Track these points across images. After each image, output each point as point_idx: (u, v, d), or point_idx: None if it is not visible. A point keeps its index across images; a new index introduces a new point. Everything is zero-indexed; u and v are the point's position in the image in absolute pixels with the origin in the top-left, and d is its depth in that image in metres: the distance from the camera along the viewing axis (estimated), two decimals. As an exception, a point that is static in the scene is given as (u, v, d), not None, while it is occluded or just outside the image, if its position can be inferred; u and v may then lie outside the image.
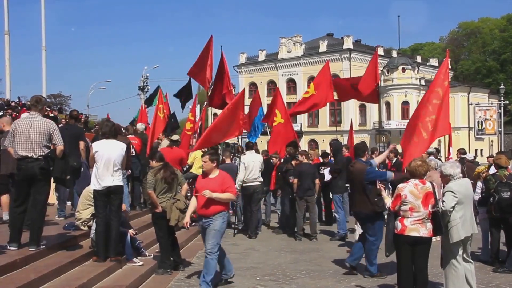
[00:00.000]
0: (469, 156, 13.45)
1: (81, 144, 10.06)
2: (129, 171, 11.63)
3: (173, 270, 8.39)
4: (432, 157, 14.36)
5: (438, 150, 17.55)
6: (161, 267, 8.30)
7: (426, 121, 9.34)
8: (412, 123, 9.63)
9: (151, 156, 8.81)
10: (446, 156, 15.35)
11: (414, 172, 6.67)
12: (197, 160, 13.44)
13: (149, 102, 21.83)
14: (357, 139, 61.76)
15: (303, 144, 59.87)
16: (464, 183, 6.95)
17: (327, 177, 13.35)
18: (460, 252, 6.79)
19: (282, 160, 13.64)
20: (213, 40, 14.27)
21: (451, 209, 6.64)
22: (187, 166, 13.38)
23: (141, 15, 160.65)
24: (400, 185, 6.75)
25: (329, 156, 14.29)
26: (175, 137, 13.42)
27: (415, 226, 6.45)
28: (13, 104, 23.53)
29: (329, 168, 13.72)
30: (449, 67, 73.45)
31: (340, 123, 62.88)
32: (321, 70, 15.25)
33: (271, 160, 13.74)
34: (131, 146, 11.79)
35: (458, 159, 14.77)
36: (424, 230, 6.46)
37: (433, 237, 6.69)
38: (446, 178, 6.91)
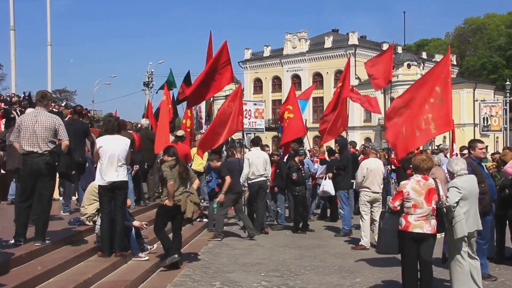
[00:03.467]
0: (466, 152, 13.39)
1: (89, 139, 10.09)
2: (136, 166, 11.67)
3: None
4: (441, 154, 14.27)
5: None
6: (168, 255, 8.22)
7: (420, 119, 9.35)
8: (406, 119, 9.61)
9: (165, 151, 8.84)
10: (450, 152, 15.30)
11: (417, 166, 6.63)
12: (196, 157, 13.47)
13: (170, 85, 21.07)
14: (361, 135, 61.91)
15: (309, 140, 59.77)
16: (470, 179, 6.92)
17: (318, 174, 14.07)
18: (465, 248, 6.77)
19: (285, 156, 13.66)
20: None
21: (455, 205, 6.62)
22: (192, 162, 13.39)
23: (146, 10, 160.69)
24: (402, 182, 6.74)
25: (335, 154, 14.26)
26: (180, 132, 13.43)
27: (419, 223, 6.43)
28: (15, 99, 23.47)
29: (324, 166, 13.86)
30: (455, 63, 73.56)
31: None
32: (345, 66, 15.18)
33: (272, 158, 13.70)
34: None
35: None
36: (428, 227, 6.44)
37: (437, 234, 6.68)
38: (451, 174, 6.91)
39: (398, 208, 6.54)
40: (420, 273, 6.55)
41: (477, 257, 6.98)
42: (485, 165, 10.43)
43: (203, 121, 27.59)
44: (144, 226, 8.71)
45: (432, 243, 6.58)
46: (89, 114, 30.47)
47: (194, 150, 13.67)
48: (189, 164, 13.30)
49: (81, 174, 9.82)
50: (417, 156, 6.87)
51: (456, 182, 6.77)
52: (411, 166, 7.00)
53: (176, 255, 8.22)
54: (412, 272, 6.56)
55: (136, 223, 8.50)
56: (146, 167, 12.67)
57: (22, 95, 27.24)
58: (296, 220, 12.74)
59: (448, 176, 7.52)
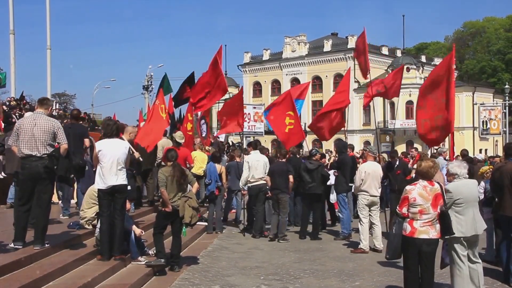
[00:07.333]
0: (480, 156, 13.39)
1: (86, 141, 10.09)
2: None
3: (169, 270, 8.36)
4: (441, 157, 14.25)
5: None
6: (158, 257, 8.24)
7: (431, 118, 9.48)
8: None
9: (165, 155, 8.86)
10: (450, 156, 15.29)
11: (426, 173, 6.54)
12: (196, 160, 13.47)
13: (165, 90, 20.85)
14: (361, 138, 61.92)
15: (308, 143, 59.79)
16: (468, 183, 6.88)
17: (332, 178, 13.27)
18: (464, 252, 6.74)
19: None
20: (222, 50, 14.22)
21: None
22: (192, 166, 13.39)
23: (146, 14, 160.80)
24: (408, 187, 6.62)
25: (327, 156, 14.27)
26: (179, 136, 13.40)
27: (425, 228, 6.38)
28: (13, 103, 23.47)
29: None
30: (454, 66, 73.35)
31: (344, 122, 62.65)
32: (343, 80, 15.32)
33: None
34: None
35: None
36: (433, 232, 6.40)
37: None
38: (451, 177, 6.89)
39: (407, 214, 6.49)
40: (421, 277, 6.53)
41: (479, 260, 6.93)
42: (481, 169, 10.44)
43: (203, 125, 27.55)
44: (142, 233, 8.72)
45: (435, 248, 6.54)
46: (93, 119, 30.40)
47: (194, 154, 13.67)
48: (189, 167, 13.31)
49: (81, 178, 9.83)
50: (424, 163, 6.69)
51: (448, 186, 6.80)
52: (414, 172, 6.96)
53: (162, 260, 8.19)
54: (415, 276, 6.54)
55: (136, 230, 8.48)
56: (141, 170, 12.64)
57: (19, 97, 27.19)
58: (315, 223, 12.51)
59: (446, 178, 7.51)
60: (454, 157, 13.56)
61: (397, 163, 12.57)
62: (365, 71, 13.65)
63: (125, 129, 10.08)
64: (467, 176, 6.89)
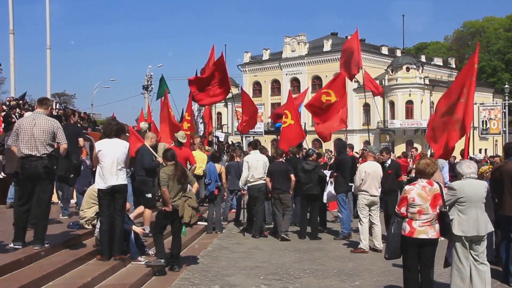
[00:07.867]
0: (478, 156, 13.33)
1: (80, 141, 10.08)
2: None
3: (169, 270, 8.36)
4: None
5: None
6: (157, 257, 8.23)
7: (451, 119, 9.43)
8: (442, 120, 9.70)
9: (163, 155, 8.86)
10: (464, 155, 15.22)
11: (423, 170, 6.53)
12: (196, 160, 13.48)
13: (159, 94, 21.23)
14: (360, 138, 61.85)
15: (308, 143, 59.76)
16: (474, 183, 6.80)
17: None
18: (466, 253, 6.69)
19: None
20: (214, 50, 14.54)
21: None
22: (195, 166, 13.39)
23: (146, 14, 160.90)
24: (407, 187, 6.62)
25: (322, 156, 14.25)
26: (181, 137, 13.40)
27: (424, 228, 6.37)
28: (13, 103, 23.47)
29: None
30: (453, 66, 73.56)
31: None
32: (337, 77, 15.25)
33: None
34: None
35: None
36: (432, 232, 6.40)
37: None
38: (458, 176, 6.87)
39: (406, 213, 6.48)
40: (421, 277, 6.52)
41: (485, 262, 6.79)
42: (481, 169, 10.40)
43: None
44: (145, 232, 8.71)
45: (434, 247, 6.54)
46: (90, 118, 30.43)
47: (193, 154, 13.66)
48: (190, 168, 13.32)
49: (77, 176, 9.82)
50: (421, 161, 6.72)
51: (453, 184, 6.77)
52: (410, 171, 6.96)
53: (162, 260, 8.17)
54: (414, 275, 6.53)
55: (136, 229, 8.49)
56: None
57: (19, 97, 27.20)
58: (314, 223, 12.49)
59: (445, 178, 7.50)
60: (468, 156, 13.53)
61: (389, 162, 11.99)
62: (352, 73, 13.89)
63: (146, 135, 10.21)
64: (476, 176, 6.83)
